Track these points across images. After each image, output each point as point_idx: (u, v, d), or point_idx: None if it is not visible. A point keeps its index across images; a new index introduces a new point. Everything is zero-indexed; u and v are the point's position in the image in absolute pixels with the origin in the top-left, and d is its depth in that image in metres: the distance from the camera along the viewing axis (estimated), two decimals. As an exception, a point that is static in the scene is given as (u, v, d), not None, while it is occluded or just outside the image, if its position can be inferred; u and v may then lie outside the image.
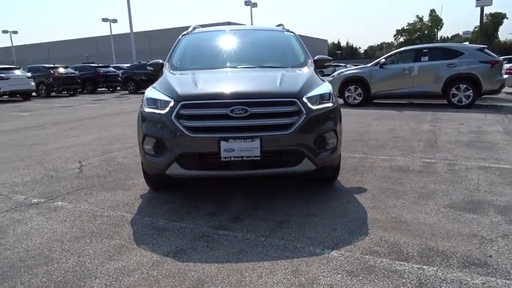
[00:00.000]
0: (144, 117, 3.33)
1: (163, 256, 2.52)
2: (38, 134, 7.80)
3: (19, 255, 2.60)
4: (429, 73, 10.12)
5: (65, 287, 2.20)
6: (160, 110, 3.18)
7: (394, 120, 8.13)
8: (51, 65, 21.40)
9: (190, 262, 2.44)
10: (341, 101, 11.51)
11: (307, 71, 3.87)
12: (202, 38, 4.75)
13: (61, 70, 20.72)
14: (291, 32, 4.78)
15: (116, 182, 4.20)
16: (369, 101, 11.14)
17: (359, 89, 11.04)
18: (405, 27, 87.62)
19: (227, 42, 4.66)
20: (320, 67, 4.37)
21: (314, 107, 3.18)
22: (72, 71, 21.54)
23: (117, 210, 3.36)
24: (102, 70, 23.28)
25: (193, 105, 3.10)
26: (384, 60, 10.91)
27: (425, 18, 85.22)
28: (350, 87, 11.19)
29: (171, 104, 3.13)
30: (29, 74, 18.61)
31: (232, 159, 3.03)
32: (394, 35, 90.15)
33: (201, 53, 4.52)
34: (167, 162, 3.15)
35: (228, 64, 4.17)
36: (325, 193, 3.66)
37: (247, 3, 44.27)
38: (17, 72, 18.39)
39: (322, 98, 3.32)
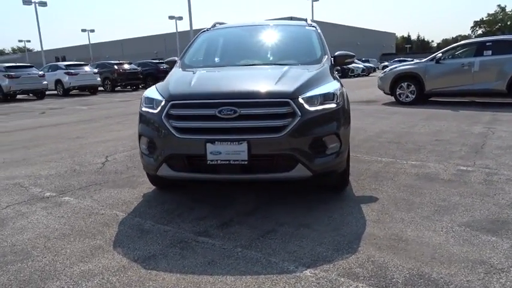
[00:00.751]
0: (140, 116, 3.29)
1: (131, 261, 2.45)
2: (85, 128, 8.23)
3: (4, 249, 2.67)
4: (492, 69, 9.14)
5: (26, 286, 2.21)
6: (154, 109, 3.11)
7: (444, 121, 7.44)
8: (116, 62, 22.67)
9: (154, 270, 2.34)
10: (392, 98, 10.86)
11: (318, 68, 3.59)
12: (218, 35, 4.64)
13: (125, 66, 21.88)
14: (313, 26, 4.50)
15: (128, 179, 4.24)
16: (423, 99, 10.34)
17: (412, 86, 10.27)
18: (484, 18, 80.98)
19: (240, 39, 4.51)
20: (340, 64, 4.08)
21: (312, 108, 2.92)
22: (135, 67, 22.64)
23: (113, 209, 3.36)
24: (163, 66, 24.19)
25: (183, 105, 2.99)
26: (440, 54, 10.04)
27: (509, 8, 77.92)
28: (402, 84, 10.46)
29: (162, 103, 3.05)
30: (96, 70, 19.90)
31: (219, 162, 2.88)
32: (472, 27, 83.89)
33: (212, 50, 4.41)
34: (158, 163, 3.08)
35: (235, 62, 4.01)
36: (330, 201, 3.37)
37: (308, -3, 43.53)
38: (86, 68, 19.76)
39: (325, 98, 3.04)
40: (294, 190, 3.67)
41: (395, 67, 11.01)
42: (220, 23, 4.83)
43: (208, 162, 2.89)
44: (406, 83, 10.38)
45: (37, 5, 36.57)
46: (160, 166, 3.08)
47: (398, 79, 10.54)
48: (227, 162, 2.86)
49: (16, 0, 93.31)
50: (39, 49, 41.85)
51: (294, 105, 2.87)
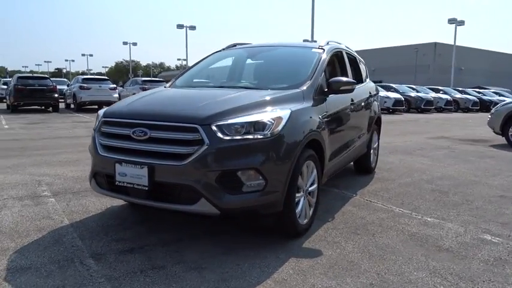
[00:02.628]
0: None
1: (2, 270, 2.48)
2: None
3: None
4: None
5: None
6: (95, 124, 3.16)
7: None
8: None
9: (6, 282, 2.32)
10: (503, 139, 9.04)
11: (287, 93, 3.21)
12: (220, 55, 4.49)
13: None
14: (321, 49, 4.02)
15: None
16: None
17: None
18: None
19: (236, 62, 4.33)
20: (335, 90, 3.55)
21: (227, 137, 2.58)
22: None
23: (67, 216, 3.48)
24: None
25: (109, 123, 2.95)
26: None
27: None
28: (516, 123, 8.61)
29: (99, 119, 3.07)
30: (113, 86, 18.93)
31: (125, 184, 2.75)
32: None
33: (203, 71, 4.29)
34: (89, 178, 3.10)
35: (211, 84, 3.84)
36: (260, 247, 2.89)
37: (451, 22, 39.61)
38: (102, 84, 18.60)
39: (254, 127, 2.66)
40: (243, 225, 3.27)
41: (509, 102, 9.14)
42: (240, 44, 4.69)
43: (117, 183, 2.78)
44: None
45: (188, 28, 41.53)
46: (91, 182, 3.08)
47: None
48: (132, 185, 2.71)
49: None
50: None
51: (203, 132, 2.56)
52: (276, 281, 2.40)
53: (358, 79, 5.13)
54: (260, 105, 2.89)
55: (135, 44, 59.52)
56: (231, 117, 2.65)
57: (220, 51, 4.60)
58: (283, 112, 2.86)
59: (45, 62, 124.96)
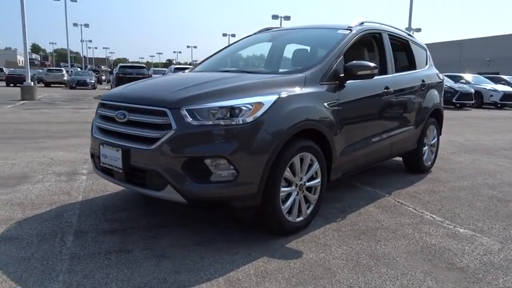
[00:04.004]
0: None
1: (-7, 237, 2.70)
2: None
3: (-28, 202, 3.38)
4: None
5: None
6: None
7: None
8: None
9: (-15, 249, 2.52)
10: None
11: (277, 77, 2.98)
12: (248, 40, 4.29)
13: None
14: (349, 29, 3.61)
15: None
16: None
17: None
18: None
19: (256, 46, 4.10)
20: (352, 76, 3.18)
21: (196, 122, 2.44)
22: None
23: (85, 193, 3.69)
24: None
25: (102, 105, 3.01)
26: None
27: None
28: None
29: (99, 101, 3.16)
30: None
31: (107, 166, 2.78)
32: None
33: (226, 55, 4.13)
34: (91, 159, 3.22)
35: (217, 68, 3.69)
36: (240, 241, 2.70)
37: None
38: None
39: (228, 111, 2.48)
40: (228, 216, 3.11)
41: None
42: (269, 29, 4.46)
43: (101, 164, 2.83)
44: None
45: (282, 19, 41.52)
46: (91, 162, 3.20)
47: None
48: (111, 167, 2.73)
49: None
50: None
51: (171, 116, 2.46)
52: (228, 280, 2.21)
53: (406, 65, 4.54)
54: (246, 89, 2.68)
55: (233, 35, 61.14)
56: (205, 101, 2.50)
57: (251, 35, 4.43)
58: (266, 97, 2.61)
59: (157, 53, 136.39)
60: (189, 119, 2.43)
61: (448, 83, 17.52)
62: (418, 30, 44.18)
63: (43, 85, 30.95)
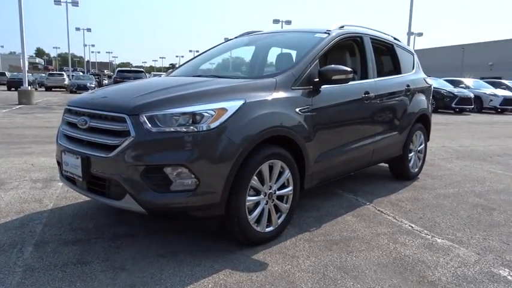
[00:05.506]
0: None
1: (-50, 247, 2.61)
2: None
3: None
4: None
5: None
6: None
7: None
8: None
9: None
10: None
11: (246, 82, 2.89)
12: (228, 43, 4.21)
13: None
14: (327, 33, 3.52)
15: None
16: None
17: None
18: None
19: (235, 49, 4.01)
20: (330, 81, 3.09)
21: (155, 129, 2.35)
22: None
23: (57, 201, 3.60)
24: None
25: (68, 111, 2.92)
26: None
27: None
28: None
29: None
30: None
31: (69, 174, 2.70)
32: None
33: (203, 59, 4.05)
34: (58, 166, 3.13)
35: (192, 73, 3.61)
36: (206, 253, 2.61)
37: None
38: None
39: (190, 118, 2.39)
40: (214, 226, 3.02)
41: None
42: (250, 32, 4.38)
43: (63, 172, 2.75)
44: None
45: (283, 23, 41.47)
46: (58, 170, 3.12)
47: None
48: (73, 176, 2.65)
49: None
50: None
51: (130, 123, 2.37)
52: (183, 295, 2.11)
53: (391, 70, 4.45)
54: (210, 94, 2.59)
55: (235, 40, 61.45)
56: (166, 107, 2.41)
57: (232, 39, 4.35)
58: (231, 103, 2.52)
59: (160, 58, 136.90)
60: (148, 126, 2.35)
61: (448, 87, 17.41)
62: (420, 34, 44.11)
63: (44, 89, 31.02)
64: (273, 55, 3.72)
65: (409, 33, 26.91)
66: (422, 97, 4.77)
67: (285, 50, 3.68)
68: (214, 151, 2.38)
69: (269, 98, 2.75)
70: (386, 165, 4.80)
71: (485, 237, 3.06)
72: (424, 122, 4.83)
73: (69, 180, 2.80)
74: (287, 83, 2.93)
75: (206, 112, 2.41)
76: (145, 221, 3.12)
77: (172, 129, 2.35)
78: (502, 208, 3.79)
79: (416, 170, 4.84)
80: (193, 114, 2.40)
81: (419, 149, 4.86)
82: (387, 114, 4.03)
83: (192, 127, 2.37)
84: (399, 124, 4.27)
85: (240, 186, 2.50)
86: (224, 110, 2.46)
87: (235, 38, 4.34)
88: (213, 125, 2.39)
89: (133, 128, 2.35)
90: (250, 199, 2.61)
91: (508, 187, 4.59)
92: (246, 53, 4.07)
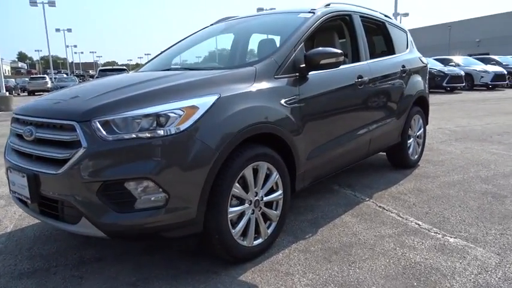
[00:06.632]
0: None
1: None
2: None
3: None
4: None
5: None
6: None
7: None
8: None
9: None
10: None
11: (221, 73, 2.46)
12: (204, 31, 3.78)
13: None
14: (312, 12, 3.11)
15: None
16: None
17: None
18: None
19: (209, 38, 3.59)
20: (318, 66, 2.69)
21: (112, 137, 1.94)
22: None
23: (19, 221, 3.19)
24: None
25: (16, 120, 2.49)
26: None
27: None
28: None
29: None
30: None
31: (16, 195, 2.28)
32: None
33: (176, 50, 3.62)
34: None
35: (162, 66, 3.19)
36: (183, 276, 2.22)
37: None
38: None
39: (154, 120, 1.98)
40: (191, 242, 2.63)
41: None
42: (227, 18, 3.95)
43: (11, 193, 2.34)
44: None
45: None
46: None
47: None
48: (21, 197, 2.23)
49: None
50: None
51: (80, 131, 1.96)
52: (154, 338, 1.73)
53: (384, 50, 4.07)
54: (178, 90, 2.19)
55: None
56: (124, 110, 2.00)
57: (207, 26, 3.92)
58: (203, 99, 2.12)
59: (145, 54, 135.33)
60: (103, 133, 1.94)
61: (438, 66, 17.10)
62: (406, 15, 43.75)
63: (26, 94, 30.23)
64: (253, 42, 3.31)
65: (395, 14, 26.55)
66: (419, 78, 4.40)
67: (266, 36, 3.27)
68: (185, 158, 1.98)
69: (249, 90, 2.35)
70: (384, 153, 4.44)
71: (502, 232, 2.72)
72: (422, 105, 4.47)
73: (21, 201, 2.38)
74: (269, 71, 2.53)
75: (173, 112, 2.01)
76: (116, 241, 2.72)
77: (132, 136, 1.95)
78: (514, 195, 3.45)
79: (416, 157, 4.49)
80: (157, 115, 1.99)
81: (418, 134, 4.51)
82: (383, 99, 3.66)
83: (156, 131, 1.96)
84: (396, 109, 3.90)
85: (219, 196, 2.12)
86: (195, 108, 2.06)
87: (211, 25, 3.92)
88: (182, 127, 2.00)
89: (85, 137, 1.94)
90: (233, 210, 2.23)
91: (515, 169, 4.26)
92: (223, 41, 3.65)
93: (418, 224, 2.87)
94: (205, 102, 2.11)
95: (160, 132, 1.96)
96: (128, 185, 1.94)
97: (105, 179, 1.93)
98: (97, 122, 1.95)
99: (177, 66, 3.14)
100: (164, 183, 1.95)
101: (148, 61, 3.62)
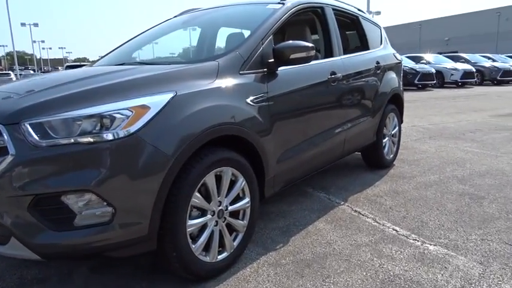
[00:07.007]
0: None
1: None
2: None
3: None
4: None
5: None
6: None
7: None
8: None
9: None
10: None
11: (178, 68, 2.19)
12: (166, 23, 3.49)
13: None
14: (281, 3, 2.88)
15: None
16: None
17: None
18: None
19: (174, 29, 3.32)
20: (288, 61, 2.45)
21: (46, 142, 1.65)
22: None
23: None
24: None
25: None
26: None
27: None
28: None
29: None
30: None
31: None
32: None
33: (135, 44, 3.33)
34: None
35: (117, 61, 2.88)
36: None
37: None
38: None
39: (98, 122, 1.70)
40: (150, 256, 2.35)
41: None
42: (191, 10, 3.68)
43: None
44: None
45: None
46: None
47: None
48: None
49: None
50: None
51: (7, 136, 1.66)
52: None
53: (358, 45, 3.89)
54: (127, 88, 1.91)
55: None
56: (60, 110, 1.71)
57: (170, 19, 3.63)
58: (155, 98, 1.85)
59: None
60: (35, 138, 1.64)
61: (410, 64, 17.28)
62: (378, 13, 44.30)
63: (-11, 91, 28.87)
64: (220, 36, 3.05)
65: (368, 12, 26.78)
66: (393, 75, 4.25)
67: (231, 28, 3.01)
68: (133, 166, 1.71)
69: (210, 87, 2.10)
70: (359, 153, 4.27)
71: (483, 237, 2.57)
72: (396, 103, 4.33)
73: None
74: (234, 66, 2.28)
75: (119, 113, 1.73)
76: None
77: (71, 141, 1.66)
78: (491, 196, 3.34)
79: (391, 156, 4.35)
80: (100, 116, 1.71)
81: (393, 132, 4.37)
82: (357, 96, 3.47)
83: (100, 135, 1.68)
84: (371, 107, 3.73)
85: (176, 208, 1.86)
86: (145, 107, 1.79)
87: (174, 17, 3.63)
88: (129, 130, 1.72)
89: (13, 142, 1.64)
90: (193, 223, 1.98)
91: (490, 168, 4.17)
92: (187, 35, 3.37)
93: (396, 230, 2.70)
94: (158, 101, 1.84)
95: (104, 136, 1.68)
96: (65, 199, 1.65)
97: (37, 192, 1.63)
98: (27, 125, 1.66)
99: (133, 61, 2.85)
100: (109, 196, 1.67)
101: (105, 55, 3.30)
